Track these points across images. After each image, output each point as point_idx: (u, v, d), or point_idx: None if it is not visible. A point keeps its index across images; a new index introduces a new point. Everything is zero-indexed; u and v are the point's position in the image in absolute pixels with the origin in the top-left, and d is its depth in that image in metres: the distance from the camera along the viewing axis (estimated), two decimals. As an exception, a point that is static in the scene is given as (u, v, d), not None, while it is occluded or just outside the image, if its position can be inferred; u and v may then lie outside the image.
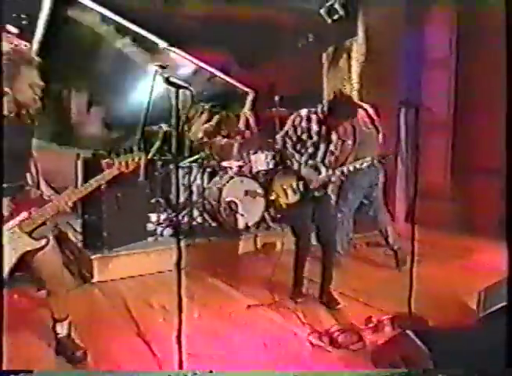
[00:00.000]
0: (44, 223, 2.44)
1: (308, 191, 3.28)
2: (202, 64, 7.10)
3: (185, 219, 4.87)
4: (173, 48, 6.62)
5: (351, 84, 6.97)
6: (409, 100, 3.88)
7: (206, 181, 5.21)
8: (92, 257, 4.16)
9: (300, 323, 3.29)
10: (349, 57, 6.93)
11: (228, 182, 4.92)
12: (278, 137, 3.49)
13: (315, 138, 3.30)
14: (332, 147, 3.31)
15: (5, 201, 2.33)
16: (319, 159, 3.31)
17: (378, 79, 6.41)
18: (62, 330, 2.77)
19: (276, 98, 6.25)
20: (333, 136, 3.34)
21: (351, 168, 3.20)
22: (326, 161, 3.27)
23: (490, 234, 5.07)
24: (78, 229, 4.44)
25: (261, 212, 5.10)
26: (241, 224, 4.95)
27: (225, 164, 5.24)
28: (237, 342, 3.08)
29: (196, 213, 5.07)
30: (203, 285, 4.06)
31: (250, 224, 5.02)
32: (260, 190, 5.07)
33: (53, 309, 2.74)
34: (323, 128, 3.35)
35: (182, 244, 4.01)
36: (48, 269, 2.57)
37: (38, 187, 2.55)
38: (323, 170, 3.23)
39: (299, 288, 3.75)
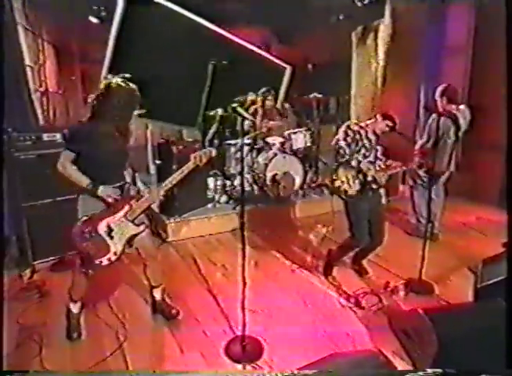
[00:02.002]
0: (142, 212, 2.61)
1: (366, 181, 3.20)
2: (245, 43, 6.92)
3: (237, 188, 5.00)
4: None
5: (376, 61, 6.77)
6: (432, 107, 3.76)
7: (254, 156, 5.23)
8: (167, 221, 4.45)
9: (332, 287, 3.41)
10: (376, 37, 6.68)
11: (273, 157, 4.96)
12: (337, 136, 3.28)
13: (365, 141, 3.22)
14: (379, 154, 3.27)
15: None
16: (371, 159, 3.26)
17: (401, 59, 6.19)
18: (157, 295, 2.98)
19: (309, 66, 6.16)
20: (379, 146, 3.28)
21: (394, 171, 3.25)
22: (376, 164, 3.23)
23: (492, 202, 5.07)
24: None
25: (299, 183, 5.17)
26: (282, 193, 5.03)
27: (269, 139, 5.22)
28: (282, 300, 3.23)
29: (246, 184, 5.15)
30: (254, 246, 4.15)
31: (289, 193, 5.12)
32: (299, 165, 5.12)
33: (150, 278, 2.92)
34: (370, 134, 3.26)
35: (238, 209, 4.13)
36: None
37: (135, 184, 2.73)
38: (372, 170, 3.19)
39: (331, 269, 3.63)
